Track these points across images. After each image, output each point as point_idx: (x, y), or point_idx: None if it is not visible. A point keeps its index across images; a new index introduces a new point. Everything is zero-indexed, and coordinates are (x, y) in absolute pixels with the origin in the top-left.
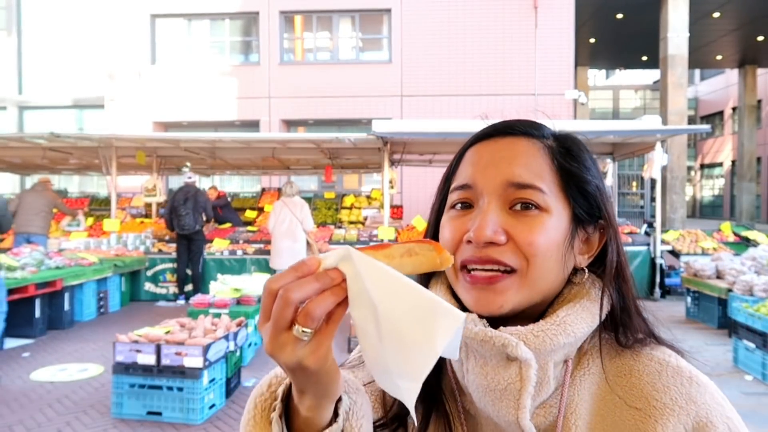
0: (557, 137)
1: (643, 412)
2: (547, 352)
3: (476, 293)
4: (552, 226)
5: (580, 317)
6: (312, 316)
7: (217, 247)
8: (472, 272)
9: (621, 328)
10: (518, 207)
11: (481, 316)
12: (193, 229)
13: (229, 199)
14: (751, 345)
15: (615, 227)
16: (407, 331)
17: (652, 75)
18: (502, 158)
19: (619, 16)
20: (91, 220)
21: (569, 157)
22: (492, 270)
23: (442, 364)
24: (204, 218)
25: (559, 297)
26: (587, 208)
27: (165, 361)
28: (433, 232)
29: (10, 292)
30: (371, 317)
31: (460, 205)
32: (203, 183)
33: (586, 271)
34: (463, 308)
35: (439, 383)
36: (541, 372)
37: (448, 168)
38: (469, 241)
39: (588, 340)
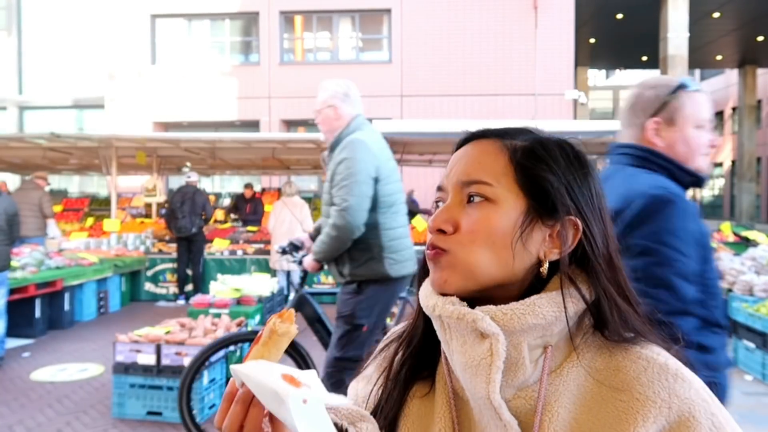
0: (537, 140)
1: (627, 404)
2: (517, 331)
3: (432, 272)
4: (497, 214)
5: (552, 302)
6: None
7: (217, 247)
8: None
9: (607, 324)
10: (472, 200)
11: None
12: (189, 232)
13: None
14: (751, 345)
15: (590, 220)
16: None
17: (652, 75)
18: (460, 159)
19: (619, 16)
20: (91, 220)
21: (530, 156)
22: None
23: (437, 350)
24: (204, 219)
25: (545, 290)
26: (547, 202)
27: (165, 361)
28: None
29: (11, 292)
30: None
31: (437, 203)
32: (203, 183)
33: (547, 263)
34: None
35: (434, 368)
36: (514, 351)
37: None
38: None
39: (581, 335)
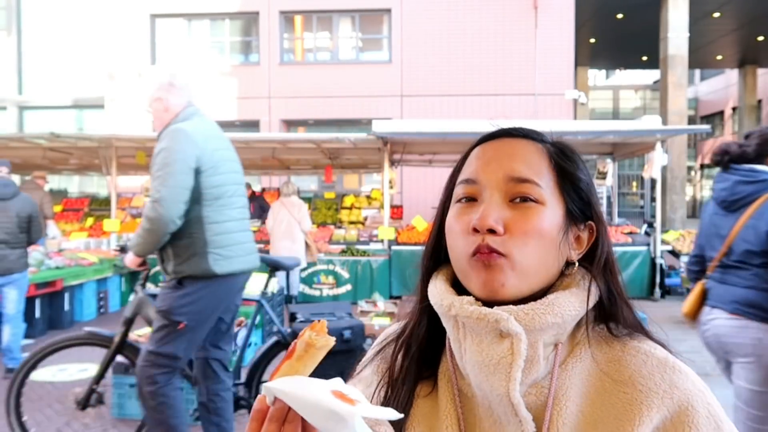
0: (554, 143)
1: (630, 396)
2: (537, 330)
3: (484, 274)
4: (547, 217)
5: (569, 301)
6: None
7: None
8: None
9: (611, 319)
10: (518, 200)
11: (486, 303)
12: None
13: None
14: None
15: (604, 225)
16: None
17: (652, 75)
18: (504, 154)
19: (619, 16)
20: (91, 220)
21: (565, 158)
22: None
23: (439, 349)
24: None
25: (553, 287)
26: (580, 205)
27: None
28: (439, 224)
29: None
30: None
31: (465, 199)
32: None
33: (577, 263)
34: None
35: (436, 368)
36: (531, 350)
37: (456, 166)
38: (474, 229)
39: (582, 331)
